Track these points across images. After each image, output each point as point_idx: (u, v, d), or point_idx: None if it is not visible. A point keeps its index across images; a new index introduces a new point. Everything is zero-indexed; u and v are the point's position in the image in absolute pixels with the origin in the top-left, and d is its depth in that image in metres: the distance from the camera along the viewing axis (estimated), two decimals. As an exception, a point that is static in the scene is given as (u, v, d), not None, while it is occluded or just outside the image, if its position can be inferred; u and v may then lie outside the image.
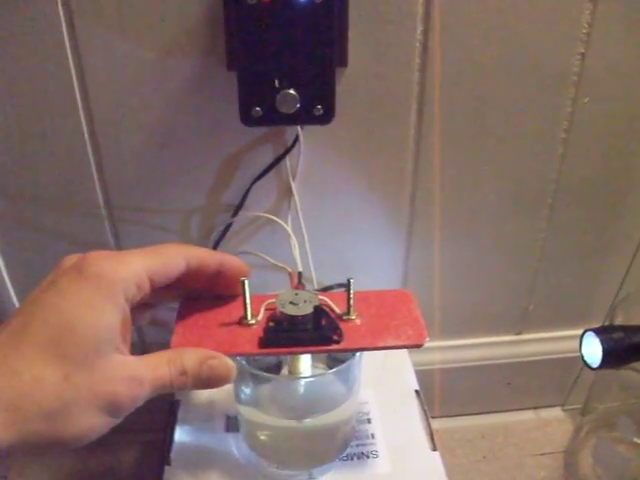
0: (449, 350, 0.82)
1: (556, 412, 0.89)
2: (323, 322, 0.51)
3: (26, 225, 0.68)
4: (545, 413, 0.89)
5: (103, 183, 0.65)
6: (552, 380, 0.87)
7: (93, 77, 0.59)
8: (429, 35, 0.60)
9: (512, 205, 0.71)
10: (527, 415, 0.88)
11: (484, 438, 0.85)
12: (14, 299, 0.73)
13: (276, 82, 0.53)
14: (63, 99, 0.60)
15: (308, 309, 0.51)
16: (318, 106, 0.54)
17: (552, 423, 0.87)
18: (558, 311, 0.82)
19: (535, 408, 0.89)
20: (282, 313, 0.51)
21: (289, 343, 0.50)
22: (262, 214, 0.66)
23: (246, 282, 0.50)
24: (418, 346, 0.51)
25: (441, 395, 0.70)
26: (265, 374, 0.53)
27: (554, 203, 0.72)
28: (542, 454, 0.82)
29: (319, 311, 0.50)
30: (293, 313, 0.50)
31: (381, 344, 0.51)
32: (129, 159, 0.64)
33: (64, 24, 0.56)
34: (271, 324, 0.51)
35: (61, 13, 0.56)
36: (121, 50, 0.58)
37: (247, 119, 0.55)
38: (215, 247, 0.67)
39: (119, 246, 0.69)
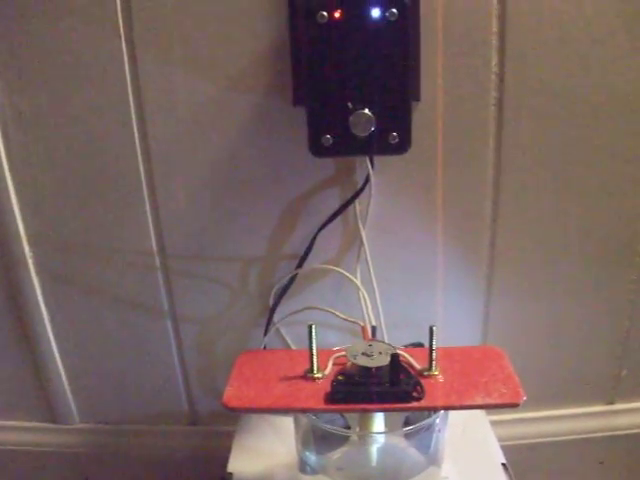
0: (531, 423, 0.73)
1: (658, 497, 0.78)
2: (401, 376, 0.44)
3: (74, 277, 0.65)
4: (644, 498, 0.78)
5: (157, 228, 0.61)
6: (651, 459, 0.77)
7: (152, 113, 0.57)
8: (505, 67, 0.55)
9: (599, 255, 0.64)
10: (623, 500, 0.78)
11: (577, 527, 0.74)
12: (56, 352, 0.69)
13: (349, 104, 0.48)
14: (120, 136, 0.58)
15: (383, 361, 0.44)
16: (393, 133, 0.50)
17: (653, 509, 0.76)
18: (656, 377, 0.73)
19: (632, 492, 0.78)
20: (353, 365, 0.45)
21: (361, 399, 0.44)
22: (329, 266, 0.60)
23: (313, 327, 0.44)
24: (514, 405, 0.44)
25: (523, 477, 0.62)
26: (338, 429, 0.46)
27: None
28: None
29: (396, 363, 0.44)
30: (366, 364, 0.44)
31: (469, 402, 0.44)
32: (186, 202, 0.60)
33: (126, 57, 0.55)
34: (340, 377, 0.45)
35: (123, 46, 0.55)
36: (182, 85, 0.56)
37: (317, 148, 0.50)
38: (277, 302, 0.61)
39: (172, 303, 0.64)
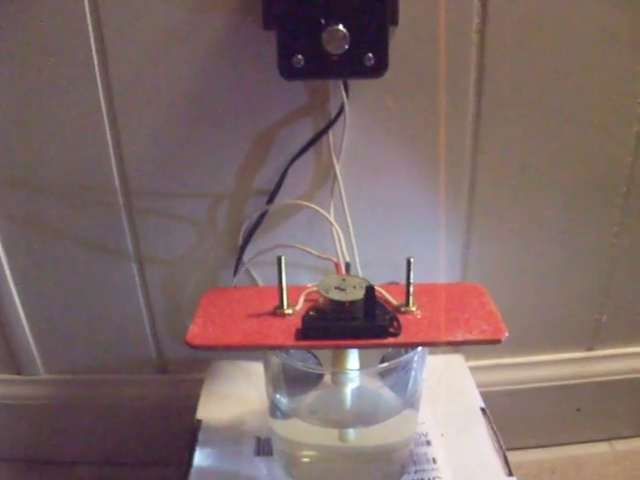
0: (508, 369, 0.72)
1: (634, 444, 0.77)
2: (376, 312, 0.41)
3: (33, 218, 0.61)
4: (621, 445, 0.77)
5: (120, 165, 0.57)
6: (628, 405, 0.76)
7: (112, 38, 0.52)
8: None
9: (581, 193, 0.62)
10: (601, 447, 0.77)
11: (554, 474, 0.73)
12: (17, 300, 0.66)
13: (322, 20, 0.45)
14: (80, 66, 0.53)
15: (358, 295, 0.42)
16: (369, 54, 0.46)
17: (630, 456, 0.75)
18: (637, 322, 0.71)
19: (609, 439, 0.78)
20: (326, 299, 0.42)
21: (333, 334, 0.41)
22: (301, 202, 0.57)
23: (282, 258, 0.41)
24: (496, 342, 0.42)
25: (501, 423, 0.60)
26: (310, 366, 0.44)
27: (629, 191, 0.62)
28: (623, 491, 0.71)
29: (371, 296, 0.41)
30: (340, 298, 0.41)
31: (449, 338, 0.42)
32: (150, 135, 0.56)
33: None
34: (311, 313, 0.43)
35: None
36: (144, 8, 0.51)
37: (287, 70, 0.47)
38: (247, 240, 0.58)
39: (136, 244, 0.61)
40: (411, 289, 0.43)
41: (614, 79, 0.56)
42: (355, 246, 0.58)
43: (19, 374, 0.72)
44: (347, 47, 0.45)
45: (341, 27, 0.45)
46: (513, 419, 0.73)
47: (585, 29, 0.53)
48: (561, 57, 0.54)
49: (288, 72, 0.47)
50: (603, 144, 0.59)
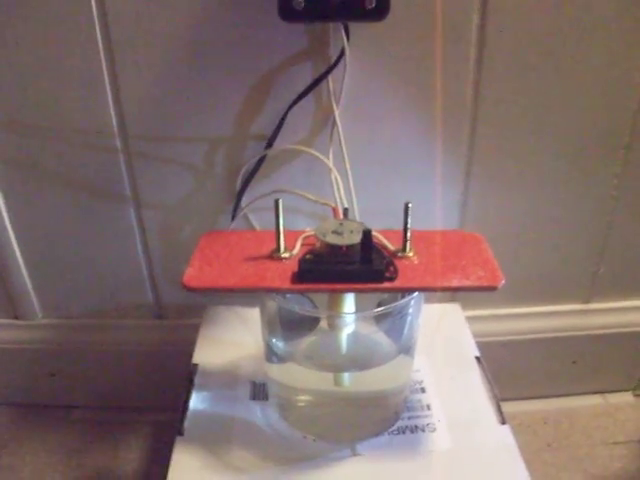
0: (504, 320, 0.72)
1: (626, 397, 0.78)
2: (373, 256, 0.41)
3: (29, 162, 0.60)
4: (614, 398, 0.78)
5: (118, 108, 0.56)
6: (623, 358, 0.76)
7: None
8: None
9: (583, 144, 0.61)
10: (594, 400, 0.78)
11: (547, 424, 0.74)
12: (14, 245, 0.65)
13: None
14: (77, 10, 0.52)
15: (355, 239, 0.41)
16: (370, -4, 0.45)
17: (623, 409, 0.76)
18: (634, 275, 0.71)
19: (602, 392, 0.78)
20: (323, 243, 0.41)
21: (330, 278, 0.41)
22: (300, 147, 0.56)
23: (280, 201, 0.41)
24: (492, 288, 0.41)
25: (496, 373, 0.61)
26: (305, 309, 0.44)
27: (632, 142, 0.61)
28: (614, 443, 0.71)
29: (368, 240, 0.40)
30: (336, 242, 0.41)
31: (445, 284, 0.42)
32: (148, 78, 0.55)
33: None
34: (308, 257, 0.42)
35: None
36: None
37: (287, 12, 0.46)
38: (245, 185, 0.58)
39: (134, 188, 0.61)
40: (408, 234, 0.42)
41: (620, 27, 0.55)
42: (353, 192, 0.57)
43: (17, 318, 0.72)
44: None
45: (342, -34, 0.44)
46: (508, 369, 0.74)
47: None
48: (566, 5, 0.53)
49: (288, 14, 0.46)
50: (606, 93, 0.58)
